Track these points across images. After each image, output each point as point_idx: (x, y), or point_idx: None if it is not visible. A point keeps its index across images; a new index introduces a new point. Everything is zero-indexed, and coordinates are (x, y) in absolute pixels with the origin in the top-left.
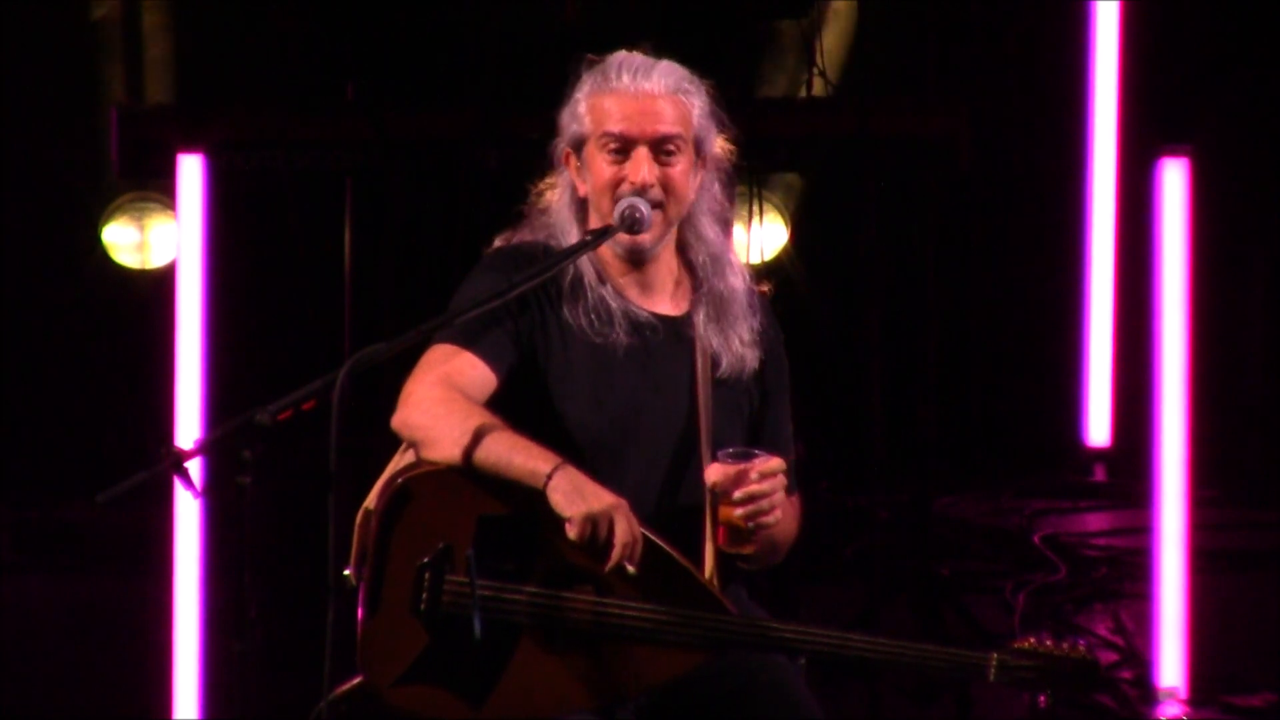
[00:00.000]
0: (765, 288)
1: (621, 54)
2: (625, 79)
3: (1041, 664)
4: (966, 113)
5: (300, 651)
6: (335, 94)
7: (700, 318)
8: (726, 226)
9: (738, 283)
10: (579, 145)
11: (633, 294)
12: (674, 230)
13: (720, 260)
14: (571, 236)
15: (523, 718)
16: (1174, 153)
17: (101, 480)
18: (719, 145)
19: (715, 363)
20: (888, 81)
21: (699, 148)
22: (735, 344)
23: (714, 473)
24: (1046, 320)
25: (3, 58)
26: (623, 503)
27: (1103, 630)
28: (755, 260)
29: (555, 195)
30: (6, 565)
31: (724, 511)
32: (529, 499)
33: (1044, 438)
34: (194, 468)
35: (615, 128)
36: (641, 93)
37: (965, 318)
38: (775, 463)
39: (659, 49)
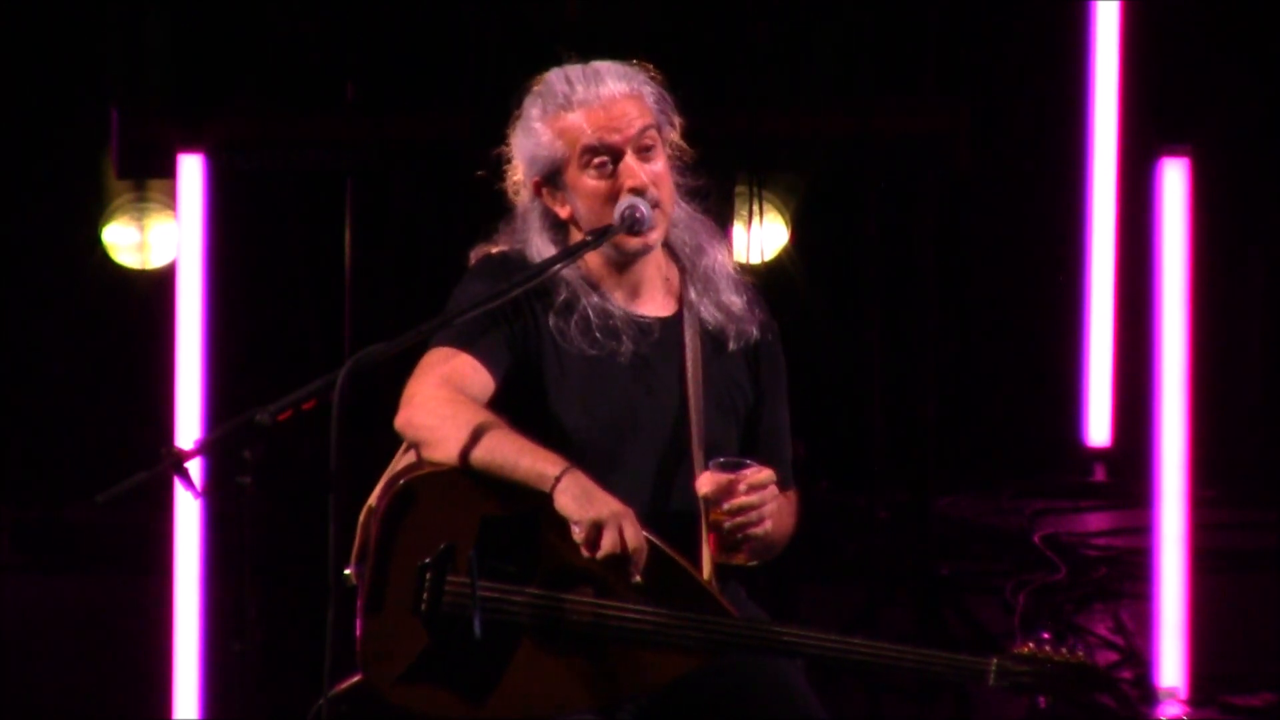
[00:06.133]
0: (748, 278)
1: (557, 70)
2: (581, 91)
3: (1041, 669)
4: (966, 112)
5: (300, 651)
6: (335, 94)
7: (692, 299)
8: (693, 199)
9: (720, 254)
10: (553, 173)
11: (621, 298)
12: None
13: (698, 235)
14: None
15: (523, 718)
16: (1174, 153)
17: (101, 480)
18: (671, 124)
19: (721, 337)
20: (888, 81)
21: (662, 133)
22: (735, 310)
23: (704, 483)
24: (1046, 320)
25: (3, 58)
26: (629, 510)
27: (1103, 630)
28: (755, 260)
29: (522, 224)
30: (6, 565)
31: (714, 521)
32: (531, 501)
33: (1044, 438)
34: (194, 468)
35: (595, 140)
36: (605, 99)
37: (965, 317)
38: (765, 474)
39: (658, 49)
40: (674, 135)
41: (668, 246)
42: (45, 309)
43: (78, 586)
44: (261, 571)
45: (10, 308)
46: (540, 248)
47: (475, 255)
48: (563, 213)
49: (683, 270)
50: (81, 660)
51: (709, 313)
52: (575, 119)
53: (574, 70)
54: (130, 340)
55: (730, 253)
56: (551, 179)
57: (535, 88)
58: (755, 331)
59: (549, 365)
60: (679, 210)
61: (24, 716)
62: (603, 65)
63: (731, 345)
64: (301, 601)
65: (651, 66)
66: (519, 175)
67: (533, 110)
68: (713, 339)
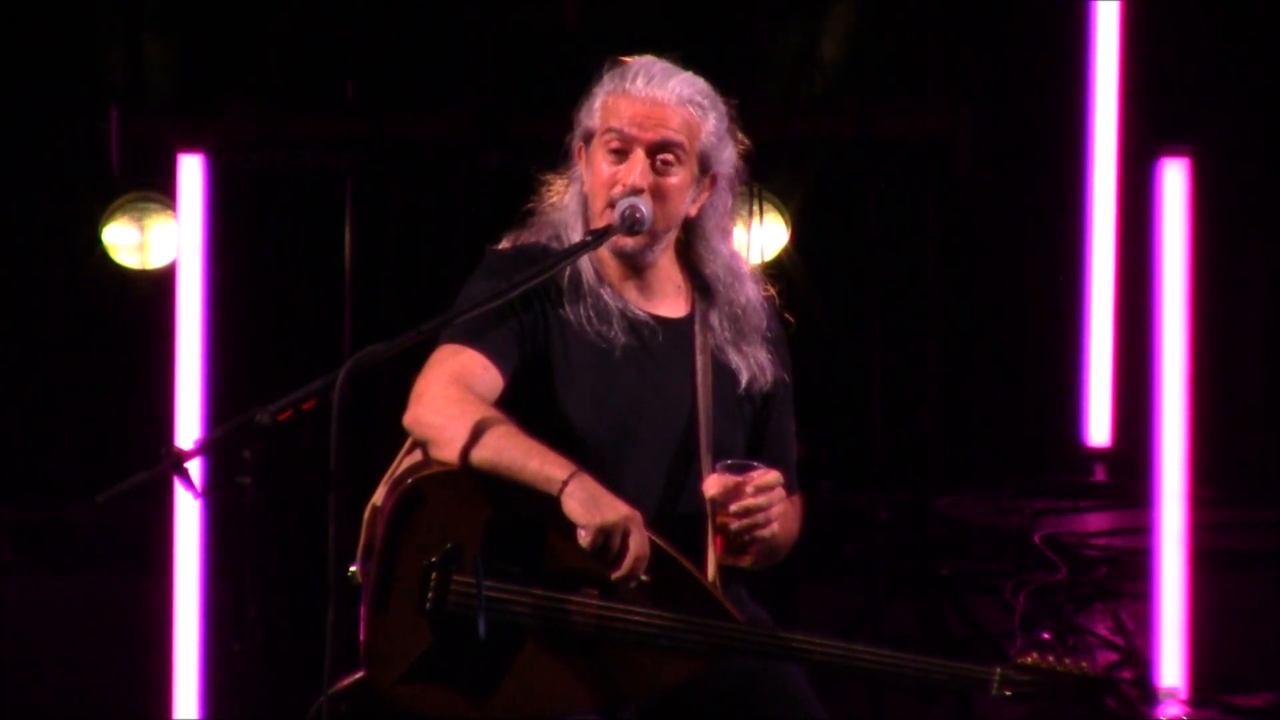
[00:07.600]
0: (771, 291)
1: (646, 58)
2: (640, 83)
3: (1044, 679)
4: (967, 113)
5: (300, 651)
6: (335, 94)
7: (714, 326)
8: (729, 237)
9: (754, 295)
10: (588, 140)
11: (632, 295)
12: (670, 238)
13: (736, 274)
14: (575, 232)
15: (525, 718)
16: (1174, 153)
17: (101, 480)
18: (732, 163)
19: (735, 377)
20: (888, 81)
21: (705, 162)
22: (756, 357)
23: (712, 484)
24: (1046, 320)
25: (3, 58)
26: (636, 515)
27: (1103, 630)
28: (755, 260)
29: (567, 189)
30: (6, 565)
31: (720, 523)
32: (538, 502)
33: (1044, 438)
34: (194, 468)
35: (617, 125)
36: (651, 99)
37: (965, 318)
38: (773, 476)
39: (658, 49)
40: (727, 171)
41: (691, 268)
42: (45, 309)
43: (78, 586)
44: (261, 571)
45: (10, 308)
46: (571, 218)
47: (506, 241)
48: (588, 184)
49: (704, 294)
50: (81, 660)
51: (731, 351)
52: (619, 102)
53: (653, 64)
54: (130, 340)
55: (766, 307)
56: (587, 146)
57: (621, 65)
58: (768, 385)
59: (557, 360)
60: (720, 245)
61: (24, 716)
62: (682, 74)
63: (740, 390)
64: (301, 601)
65: (735, 103)
66: (575, 138)
67: (604, 82)
68: (729, 372)
